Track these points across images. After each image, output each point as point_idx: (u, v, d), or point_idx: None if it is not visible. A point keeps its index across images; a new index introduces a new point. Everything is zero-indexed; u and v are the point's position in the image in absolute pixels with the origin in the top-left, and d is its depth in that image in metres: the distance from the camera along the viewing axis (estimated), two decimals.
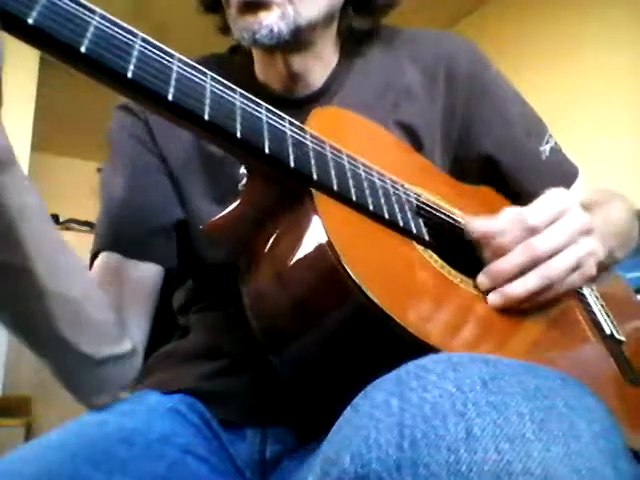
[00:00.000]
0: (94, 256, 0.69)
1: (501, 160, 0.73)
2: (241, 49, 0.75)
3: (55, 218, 4.39)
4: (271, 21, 0.61)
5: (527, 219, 0.53)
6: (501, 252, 0.53)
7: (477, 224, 0.55)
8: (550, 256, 0.52)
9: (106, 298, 0.61)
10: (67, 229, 4.23)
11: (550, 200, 0.55)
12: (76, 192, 3.62)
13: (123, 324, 0.64)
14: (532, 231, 0.52)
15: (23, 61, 3.18)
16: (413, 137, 0.70)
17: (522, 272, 0.52)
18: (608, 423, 0.32)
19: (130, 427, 0.57)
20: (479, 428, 0.29)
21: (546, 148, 0.75)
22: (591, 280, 0.56)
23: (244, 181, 0.52)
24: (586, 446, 0.29)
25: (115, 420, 0.58)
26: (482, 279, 0.53)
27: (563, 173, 0.76)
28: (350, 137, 0.62)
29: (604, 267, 0.67)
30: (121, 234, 0.68)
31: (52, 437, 0.55)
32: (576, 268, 0.53)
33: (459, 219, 0.61)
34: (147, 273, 0.68)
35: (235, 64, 0.75)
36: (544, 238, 0.52)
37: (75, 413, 0.64)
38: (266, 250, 0.50)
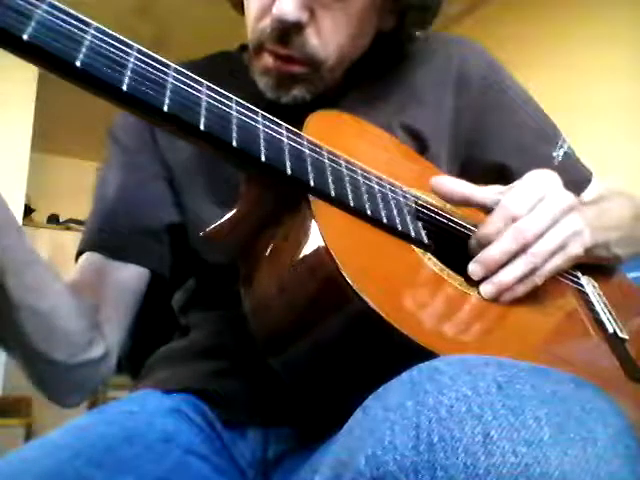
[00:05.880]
0: (79, 254, 0.69)
1: (512, 166, 0.72)
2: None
3: (55, 218, 4.41)
4: (297, 92, 0.64)
5: (510, 209, 0.53)
6: (487, 241, 0.53)
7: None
8: (537, 239, 0.53)
9: (78, 305, 0.61)
10: (67, 229, 4.24)
11: (530, 183, 0.56)
12: (76, 192, 3.62)
13: (98, 327, 0.64)
14: (515, 220, 0.53)
15: (23, 61, 3.17)
16: (418, 140, 0.70)
17: (512, 258, 0.52)
18: (623, 426, 0.32)
19: (132, 427, 0.57)
20: (496, 431, 0.29)
21: (559, 153, 0.74)
22: (575, 260, 0.56)
23: (242, 187, 0.52)
24: (604, 450, 0.29)
25: (117, 420, 0.58)
26: (474, 267, 0.53)
27: (576, 178, 0.75)
28: (349, 141, 0.62)
29: (598, 258, 0.67)
30: (106, 235, 0.68)
31: (53, 437, 0.55)
32: (560, 249, 0.54)
33: (459, 221, 0.61)
34: (130, 275, 0.68)
35: (243, 63, 0.75)
36: (531, 222, 0.52)
37: (75, 413, 0.65)
38: (265, 256, 0.51)
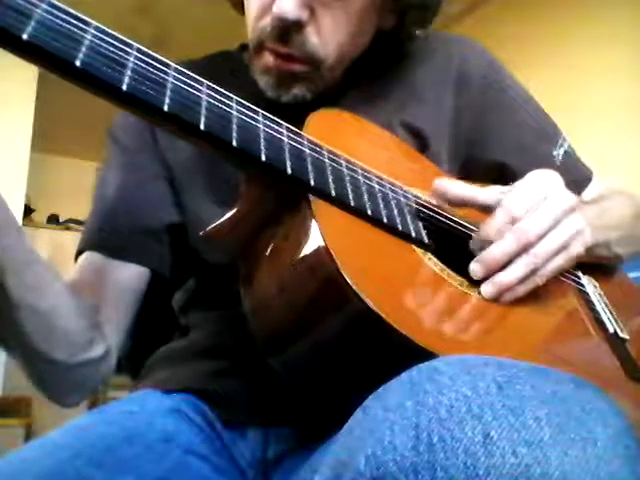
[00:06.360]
0: (79, 253, 0.69)
1: (513, 165, 0.72)
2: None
3: (55, 218, 4.41)
4: (297, 91, 0.64)
5: (511, 210, 0.53)
6: (488, 241, 0.53)
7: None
8: (539, 240, 0.52)
9: (78, 305, 0.61)
10: (67, 229, 4.25)
11: (531, 184, 0.56)
12: (76, 192, 3.63)
13: (98, 326, 0.64)
14: (516, 220, 0.53)
15: (23, 61, 3.17)
16: (419, 139, 0.70)
17: (513, 258, 0.52)
18: (623, 426, 0.32)
19: (132, 427, 0.57)
20: (496, 432, 0.29)
21: (559, 152, 0.74)
22: (576, 260, 0.56)
23: (242, 187, 0.52)
24: (604, 450, 0.29)
25: (117, 420, 0.58)
26: (475, 267, 0.53)
27: (577, 177, 0.75)
28: (350, 140, 0.62)
29: (598, 258, 0.67)
30: (105, 235, 0.68)
31: (53, 437, 0.55)
32: (562, 249, 0.54)
33: (460, 220, 0.61)
34: (130, 275, 0.68)
35: (244, 63, 0.75)
36: (533, 223, 0.52)
37: (75, 413, 0.65)
38: (265, 256, 0.51)
